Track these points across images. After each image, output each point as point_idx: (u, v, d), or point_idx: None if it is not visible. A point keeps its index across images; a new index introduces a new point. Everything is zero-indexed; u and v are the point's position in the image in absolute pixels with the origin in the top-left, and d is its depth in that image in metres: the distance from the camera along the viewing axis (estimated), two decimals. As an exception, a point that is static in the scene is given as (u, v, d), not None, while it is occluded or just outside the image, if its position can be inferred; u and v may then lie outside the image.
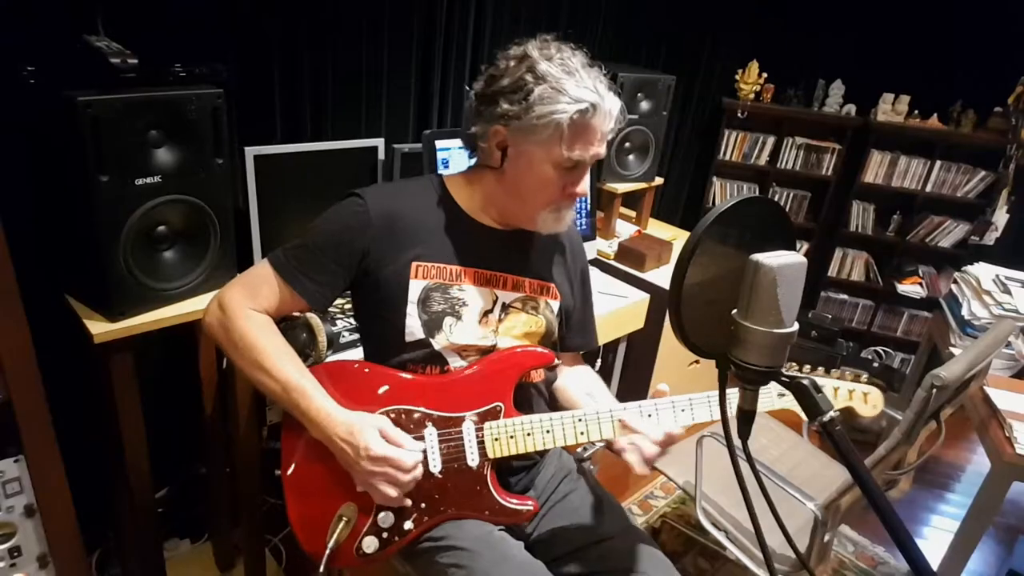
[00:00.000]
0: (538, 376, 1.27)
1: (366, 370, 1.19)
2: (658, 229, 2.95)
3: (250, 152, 1.75)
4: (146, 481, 1.58)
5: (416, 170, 1.95)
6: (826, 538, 1.65)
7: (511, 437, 1.15)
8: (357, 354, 1.56)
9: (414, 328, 1.17)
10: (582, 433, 1.15)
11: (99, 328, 1.36)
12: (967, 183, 3.43)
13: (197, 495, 2.01)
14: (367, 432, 1.07)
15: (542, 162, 1.12)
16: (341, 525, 1.11)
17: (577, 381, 1.38)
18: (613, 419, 1.14)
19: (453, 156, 1.95)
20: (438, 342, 1.19)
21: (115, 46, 1.32)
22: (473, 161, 1.27)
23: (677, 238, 2.80)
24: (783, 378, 0.76)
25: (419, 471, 1.10)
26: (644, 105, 2.58)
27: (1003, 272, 2.61)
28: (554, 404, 1.35)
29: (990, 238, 3.33)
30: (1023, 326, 2.33)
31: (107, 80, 1.27)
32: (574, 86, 1.08)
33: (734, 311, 0.76)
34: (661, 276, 2.51)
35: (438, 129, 2.37)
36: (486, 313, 1.22)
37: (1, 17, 1.34)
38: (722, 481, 1.78)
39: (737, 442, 0.80)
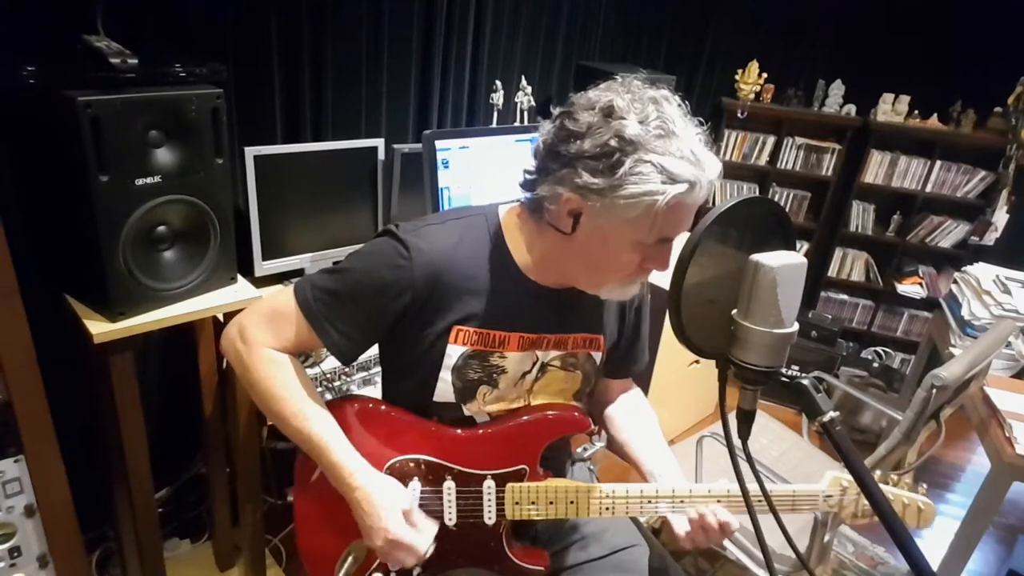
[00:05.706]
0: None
1: (391, 413, 1.14)
2: (658, 229, 2.94)
3: (250, 152, 1.75)
4: (146, 481, 1.58)
5: (416, 170, 1.95)
6: (826, 538, 1.65)
7: (532, 503, 1.11)
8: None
9: (446, 393, 1.10)
10: (608, 509, 1.11)
11: (99, 328, 1.36)
12: (967, 183, 3.43)
13: (197, 495, 2.01)
14: (390, 514, 1.01)
15: (622, 241, 0.98)
16: (349, 561, 1.08)
17: (628, 415, 1.31)
18: (643, 506, 1.11)
19: (453, 156, 1.95)
20: (469, 408, 1.12)
21: (115, 46, 1.32)
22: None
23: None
24: (783, 378, 0.76)
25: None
26: (644, 105, 2.58)
27: (1003, 272, 2.61)
28: (596, 417, 1.32)
29: (990, 238, 3.33)
30: (1023, 326, 2.32)
31: (107, 80, 1.27)
32: (672, 160, 0.90)
33: (734, 311, 0.76)
34: (661, 276, 2.51)
35: (438, 129, 2.38)
36: (523, 375, 1.14)
37: (1, 17, 1.34)
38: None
39: (737, 442, 0.80)
